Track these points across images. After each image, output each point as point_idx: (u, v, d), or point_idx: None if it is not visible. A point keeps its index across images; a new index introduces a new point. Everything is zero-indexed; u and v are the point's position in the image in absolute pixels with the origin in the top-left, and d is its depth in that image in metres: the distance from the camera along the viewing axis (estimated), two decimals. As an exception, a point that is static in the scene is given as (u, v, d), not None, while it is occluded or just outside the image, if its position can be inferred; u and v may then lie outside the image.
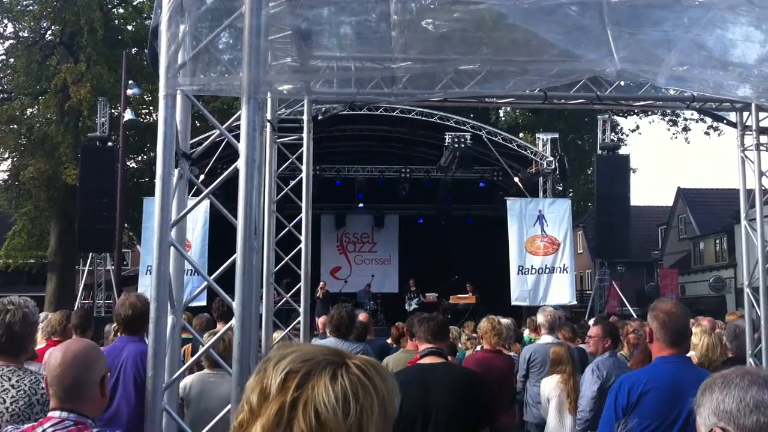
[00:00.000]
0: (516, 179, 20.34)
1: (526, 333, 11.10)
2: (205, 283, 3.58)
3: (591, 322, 10.48)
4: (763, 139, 7.76)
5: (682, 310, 4.34)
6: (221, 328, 6.67)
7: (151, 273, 3.43)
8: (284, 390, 1.43)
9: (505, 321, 8.09)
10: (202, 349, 3.48)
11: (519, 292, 18.12)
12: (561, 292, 18.13)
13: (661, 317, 4.22)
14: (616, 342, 6.66)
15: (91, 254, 21.02)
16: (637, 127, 48.66)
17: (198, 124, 22.55)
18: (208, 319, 8.21)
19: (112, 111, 22.04)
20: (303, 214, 7.09)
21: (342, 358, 1.49)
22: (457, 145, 17.89)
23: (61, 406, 2.89)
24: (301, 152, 7.14)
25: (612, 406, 4.23)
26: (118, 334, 6.35)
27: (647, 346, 4.80)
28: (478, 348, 8.38)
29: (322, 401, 1.41)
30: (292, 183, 7.41)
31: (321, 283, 19.80)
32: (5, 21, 27.52)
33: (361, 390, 1.45)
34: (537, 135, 22.38)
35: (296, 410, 1.41)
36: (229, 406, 3.34)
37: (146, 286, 15.62)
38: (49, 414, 2.92)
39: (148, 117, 27.40)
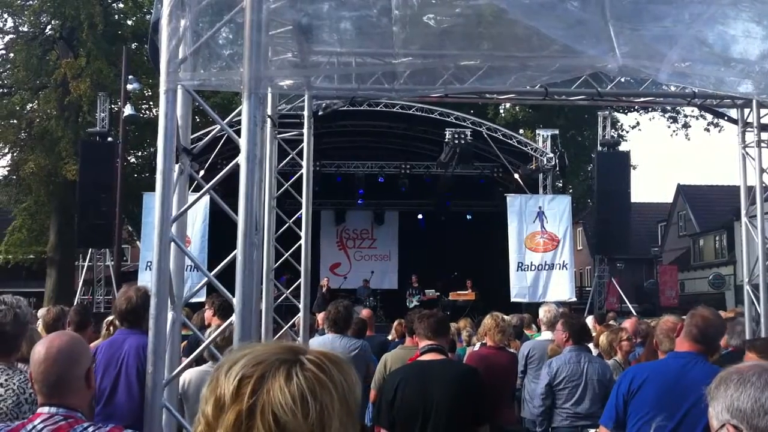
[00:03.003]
0: (516, 175, 20.32)
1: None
2: (206, 278, 3.57)
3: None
4: (764, 135, 7.77)
5: (718, 319, 4.51)
6: (215, 324, 6.65)
7: (150, 269, 3.42)
8: (239, 397, 1.37)
9: (507, 318, 8.08)
10: (203, 345, 3.47)
11: (518, 288, 18.10)
12: (560, 288, 18.12)
13: (696, 316, 4.36)
14: (578, 338, 6.67)
15: (90, 250, 21.01)
16: (638, 124, 48.69)
17: (198, 120, 22.54)
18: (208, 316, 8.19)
19: (112, 106, 22.01)
20: (303, 210, 7.08)
21: (296, 355, 1.43)
22: (457, 141, 17.87)
23: (49, 402, 2.87)
24: (302, 148, 7.12)
25: (615, 393, 4.41)
26: (110, 329, 6.35)
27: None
28: (478, 345, 8.37)
29: (279, 404, 1.36)
30: (293, 179, 7.40)
31: (324, 279, 19.84)
32: (5, 16, 27.50)
33: (318, 387, 1.39)
34: (537, 131, 22.34)
35: (254, 417, 1.36)
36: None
37: (146, 281, 15.58)
38: (38, 410, 2.90)
39: (147, 112, 27.37)
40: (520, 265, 18.19)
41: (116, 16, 28.18)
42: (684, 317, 4.62)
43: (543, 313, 8.27)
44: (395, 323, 10.15)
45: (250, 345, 1.52)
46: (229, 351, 1.55)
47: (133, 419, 4.38)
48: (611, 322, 10.64)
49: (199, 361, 5.61)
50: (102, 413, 4.78)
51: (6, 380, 3.47)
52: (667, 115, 37.19)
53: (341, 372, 1.45)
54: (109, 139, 20.55)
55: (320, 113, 7.71)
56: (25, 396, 3.42)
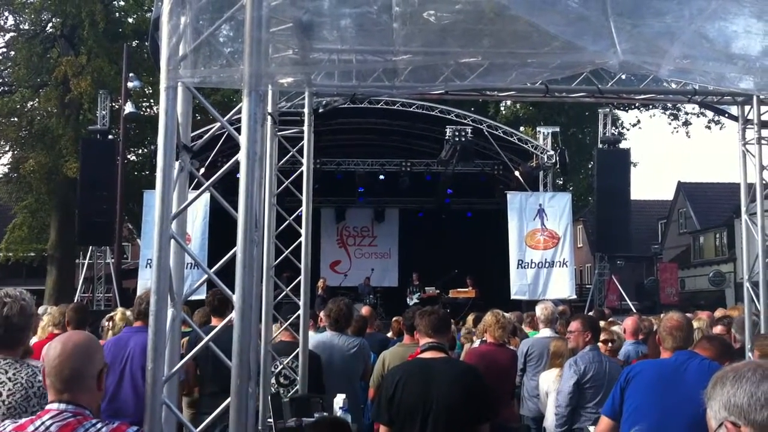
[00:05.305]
0: (516, 173, 20.32)
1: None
2: (206, 276, 3.56)
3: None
4: (764, 132, 7.75)
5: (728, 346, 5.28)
6: (215, 323, 6.67)
7: (151, 266, 3.42)
8: None
9: (507, 315, 8.07)
10: (201, 343, 3.47)
11: (519, 286, 18.11)
12: (561, 286, 18.12)
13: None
14: (597, 335, 6.62)
15: (91, 247, 21.02)
16: (638, 121, 48.77)
17: (198, 117, 22.50)
18: (208, 313, 8.19)
19: (113, 104, 22.02)
20: (303, 208, 7.07)
21: None
22: (457, 139, 17.88)
23: (59, 398, 2.87)
24: (302, 145, 7.11)
25: (616, 385, 4.74)
26: (109, 323, 6.41)
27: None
28: (478, 342, 8.36)
29: None
30: (293, 176, 7.38)
31: (321, 279, 19.80)
32: (6, 13, 27.50)
33: None
34: (538, 129, 22.34)
35: None
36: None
37: (146, 279, 15.60)
38: (47, 407, 2.90)
39: (148, 110, 27.38)
40: (520, 262, 18.20)
41: (117, 14, 28.18)
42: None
43: (540, 310, 8.25)
44: (393, 321, 10.16)
45: None
46: None
47: (140, 416, 4.39)
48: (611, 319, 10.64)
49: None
50: (108, 410, 4.78)
51: (14, 374, 3.46)
52: (667, 113, 37.23)
53: None
54: (110, 136, 20.57)
55: (321, 110, 7.70)
56: (33, 390, 3.41)
